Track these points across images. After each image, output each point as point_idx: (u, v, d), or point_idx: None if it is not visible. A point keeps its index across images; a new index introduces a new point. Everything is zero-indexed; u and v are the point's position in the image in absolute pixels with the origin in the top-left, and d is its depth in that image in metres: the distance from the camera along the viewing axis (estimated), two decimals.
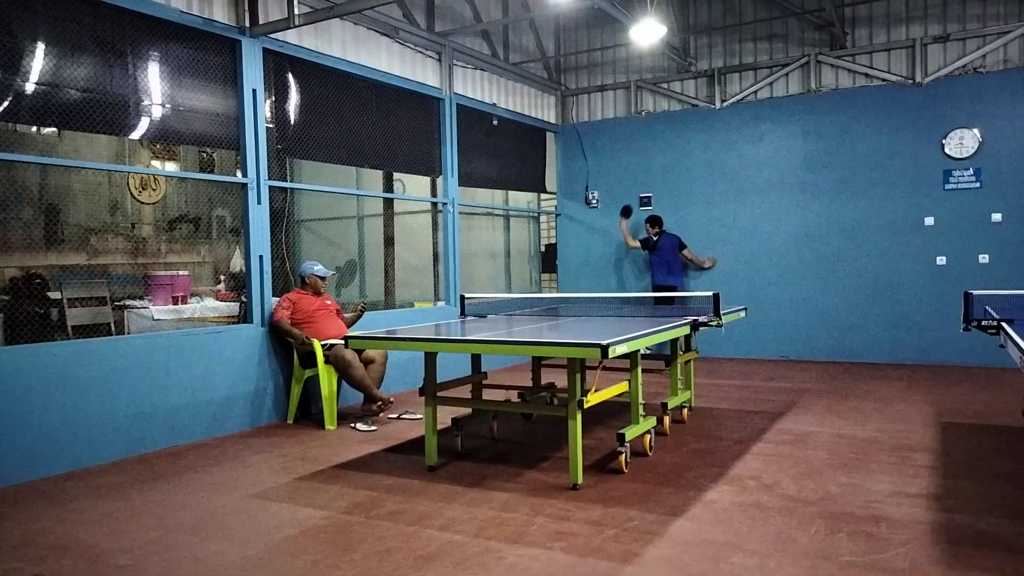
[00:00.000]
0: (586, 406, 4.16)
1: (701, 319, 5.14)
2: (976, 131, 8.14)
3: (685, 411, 5.86)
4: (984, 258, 8.15)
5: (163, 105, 5.54)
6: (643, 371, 4.91)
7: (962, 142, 8.21)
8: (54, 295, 6.93)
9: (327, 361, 5.89)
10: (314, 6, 6.38)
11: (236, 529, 3.65)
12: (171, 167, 9.80)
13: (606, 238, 10.27)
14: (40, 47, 4.82)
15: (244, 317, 6.19)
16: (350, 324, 6.45)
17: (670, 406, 5.45)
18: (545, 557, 3.19)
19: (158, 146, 9.32)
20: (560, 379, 5.70)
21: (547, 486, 4.20)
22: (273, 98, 6.40)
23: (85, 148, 8.83)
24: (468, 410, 5.39)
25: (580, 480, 4.15)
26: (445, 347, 4.47)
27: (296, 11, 5.87)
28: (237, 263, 8.15)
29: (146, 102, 5.44)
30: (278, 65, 6.41)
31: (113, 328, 6.78)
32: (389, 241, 8.47)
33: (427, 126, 8.13)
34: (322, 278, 6.30)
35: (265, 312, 6.10)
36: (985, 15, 8.22)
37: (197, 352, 5.57)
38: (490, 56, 9.13)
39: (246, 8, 5.96)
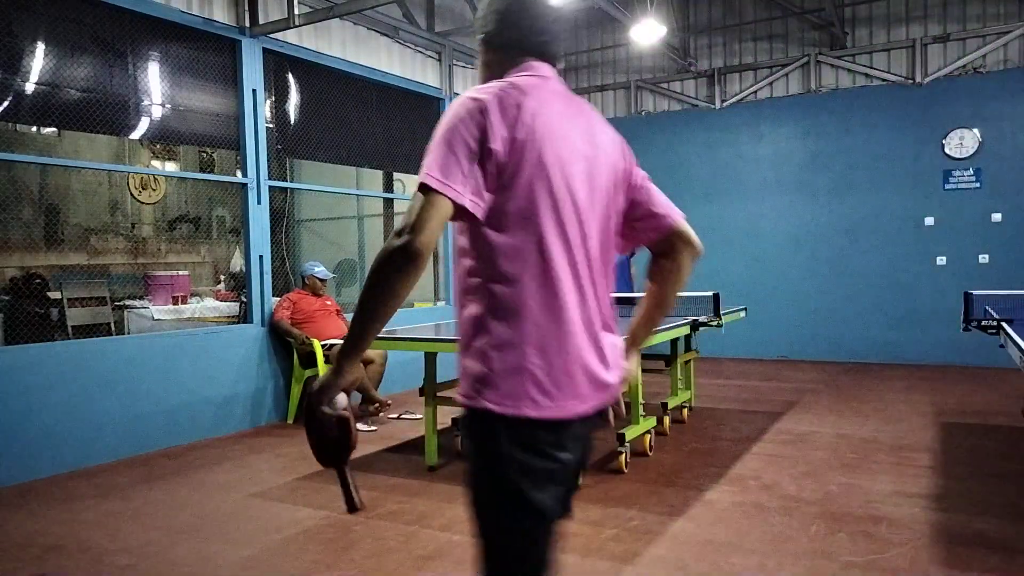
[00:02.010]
0: None
1: (701, 319, 5.14)
2: (976, 131, 8.14)
3: (685, 411, 5.85)
4: (984, 258, 8.14)
5: (163, 105, 5.54)
6: (643, 371, 4.91)
7: (962, 142, 8.21)
8: (54, 295, 6.94)
9: (327, 361, 5.89)
10: (314, 6, 6.38)
11: (236, 529, 3.65)
12: (171, 167, 9.80)
13: None
14: (40, 47, 4.82)
15: (244, 317, 6.19)
16: None
17: (670, 406, 5.45)
18: None
19: (158, 146, 9.32)
20: None
21: None
22: (273, 98, 6.40)
23: (85, 148, 8.83)
24: None
25: (580, 480, 4.13)
26: (445, 347, 4.46)
27: (296, 11, 5.87)
28: (237, 263, 8.15)
29: (146, 102, 5.44)
30: (278, 65, 6.41)
31: (113, 328, 6.78)
32: None
33: (427, 126, 8.12)
34: (322, 280, 6.30)
35: (265, 312, 6.10)
36: (985, 15, 8.21)
37: (197, 352, 5.57)
38: None
39: (246, 8, 5.96)
